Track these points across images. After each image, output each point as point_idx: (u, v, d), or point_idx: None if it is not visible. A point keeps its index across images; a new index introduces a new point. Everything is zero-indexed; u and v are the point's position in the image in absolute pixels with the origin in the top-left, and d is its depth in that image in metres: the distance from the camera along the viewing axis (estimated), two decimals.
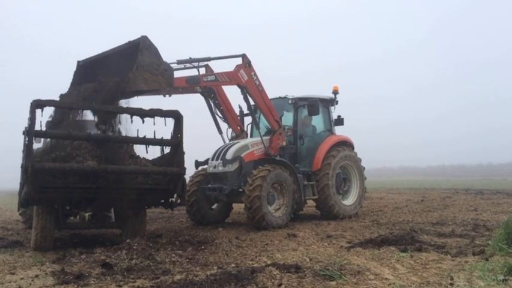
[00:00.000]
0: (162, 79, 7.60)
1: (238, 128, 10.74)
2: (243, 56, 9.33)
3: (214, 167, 9.59)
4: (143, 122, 6.99)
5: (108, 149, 6.87)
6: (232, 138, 10.68)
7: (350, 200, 10.87)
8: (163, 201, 7.28)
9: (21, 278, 4.84)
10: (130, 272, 5.02)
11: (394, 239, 6.85)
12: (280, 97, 10.61)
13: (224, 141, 10.63)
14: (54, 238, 7.00)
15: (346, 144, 11.02)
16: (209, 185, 9.69)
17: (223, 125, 10.69)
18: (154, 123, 7.02)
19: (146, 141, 7.01)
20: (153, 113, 6.97)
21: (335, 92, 11.21)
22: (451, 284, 4.19)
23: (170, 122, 7.01)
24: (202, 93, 10.24)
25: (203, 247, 6.77)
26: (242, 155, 9.35)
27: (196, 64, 9.37)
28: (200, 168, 10.26)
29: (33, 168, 5.78)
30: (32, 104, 6.05)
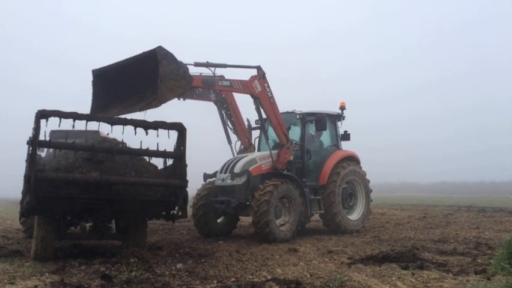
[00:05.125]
0: (184, 81, 8.08)
1: (247, 140, 10.90)
2: (258, 68, 9.54)
3: (223, 180, 9.72)
4: (146, 133, 7.03)
5: (111, 160, 6.89)
6: (240, 151, 10.85)
7: (355, 215, 10.95)
8: (164, 213, 7.27)
9: None
10: (130, 284, 5.01)
11: (395, 255, 6.81)
12: (288, 112, 10.71)
13: (232, 152, 10.81)
14: (54, 248, 6.98)
15: (352, 159, 11.14)
16: (217, 198, 9.79)
17: (233, 137, 10.88)
18: (157, 135, 7.07)
19: (149, 153, 7.04)
20: (157, 125, 7.02)
21: (342, 108, 11.37)
22: None
23: (174, 134, 7.06)
24: (215, 102, 10.44)
25: (203, 260, 6.75)
26: (250, 169, 9.46)
27: (212, 69, 9.39)
28: (207, 181, 10.39)
29: (36, 178, 5.80)
30: (36, 114, 6.10)
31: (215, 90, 9.79)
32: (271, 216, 8.85)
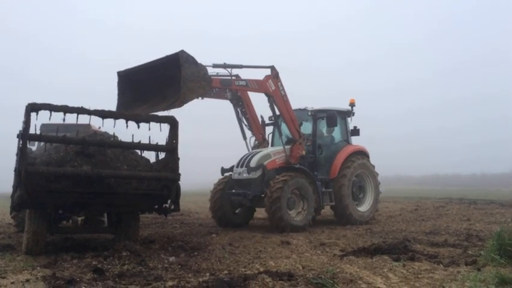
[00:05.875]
0: (204, 83, 8.69)
1: (261, 136, 11.46)
2: (272, 68, 10.10)
3: (239, 174, 10.30)
4: (138, 127, 7.00)
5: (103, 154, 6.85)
6: (254, 146, 11.41)
7: (364, 207, 11.41)
8: (157, 206, 7.26)
9: (12, 282, 4.81)
10: (122, 277, 4.99)
11: (387, 247, 6.83)
12: (300, 109, 11.20)
13: (247, 147, 11.38)
14: (46, 242, 6.95)
15: (362, 153, 11.64)
16: (233, 191, 10.44)
17: (248, 133, 11.43)
18: (149, 129, 7.04)
19: (141, 147, 7.01)
20: (149, 118, 7.00)
21: (352, 105, 11.90)
22: None
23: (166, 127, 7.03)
24: (231, 101, 10.97)
25: (196, 253, 6.76)
26: (265, 163, 10.02)
27: (229, 70, 9.98)
28: (224, 175, 11.03)
29: (27, 172, 5.76)
30: (26, 107, 6.04)
31: (232, 89, 10.31)
32: (284, 209, 9.37)
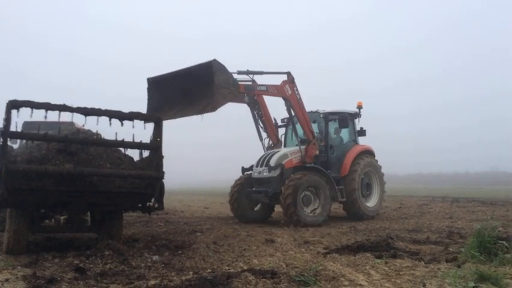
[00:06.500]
0: (234, 89, 9.60)
1: (275, 137, 12.26)
2: (288, 73, 11.00)
3: (259, 173, 11.15)
4: (122, 124, 6.93)
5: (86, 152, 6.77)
6: (268, 146, 12.24)
7: (371, 203, 12.20)
8: (140, 205, 7.20)
9: None
10: (104, 276, 4.95)
11: (370, 245, 6.91)
12: (312, 111, 11.92)
13: (264, 148, 12.21)
14: (27, 241, 6.85)
15: (369, 153, 12.46)
16: (253, 189, 11.29)
17: (263, 134, 12.26)
18: (133, 127, 6.98)
19: (125, 145, 6.96)
20: (132, 116, 6.93)
21: (359, 107, 12.71)
22: None
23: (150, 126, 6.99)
24: (248, 104, 11.69)
25: (180, 252, 6.73)
26: (283, 162, 10.83)
27: (251, 76, 10.90)
28: (245, 174, 11.93)
29: (7, 170, 5.67)
30: (7, 104, 5.94)
31: (254, 94, 11.12)
32: (298, 206, 10.12)
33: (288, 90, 10.95)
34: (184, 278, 4.88)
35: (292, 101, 10.98)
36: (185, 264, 5.85)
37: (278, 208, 11.49)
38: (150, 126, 7.06)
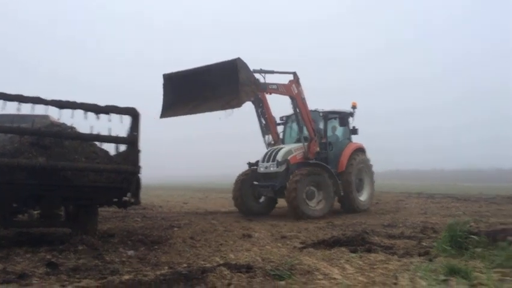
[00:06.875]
0: (255, 87, 10.38)
1: (276, 134, 12.85)
2: (294, 74, 11.65)
3: (266, 168, 11.74)
4: (97, 118, 6.81)
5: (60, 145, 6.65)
6: (269, 143, 12.73)
7: (363, 197, 12.97)
8: (116, 200, 7.12)
9: None
10: (76, 271, 4.87)
11: (346, 240, 6.98)
12: (311, 110, 12.37)
13: (266, 144, 12.72)
14: None
15: (362, 150, 13.19)
16: (257, 183, 11.91)
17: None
18: (109, 120, 6.87)
19: (100, 139, 6.85)
20: (109, 109, 6.82)
21: (354, 107, 13.37)
22: (395, 284, 4.32)
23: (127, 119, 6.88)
24: (253, 102, 12.15)
25: (156, 247, 6.67)
26: (289, 158, 11.46)
27: (263, 75, 11.25)
28: (250, 168, 12.50)
29: None
30: None
31: (267, 93, 11.57)
32: (301, 200, 10.74)
33: (294, 90, 11.56)
34: (158, 272, 4.83)
35: (298, 100, 11.58)
36: (161, 259, 5.82)
37: (281, 202, 12.15)
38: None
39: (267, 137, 12.78)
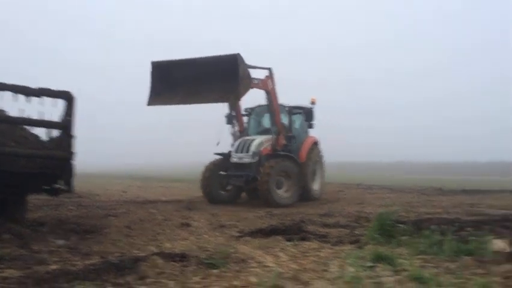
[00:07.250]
0: (248, 81, 10.84)
1: (243, 126, 13.57)
2: (270, 69, 12.27)
3: (239, 158, 12.31)
4: (28, 101, 6.44)
5: None
6: (235, 134, 13.43)
7: (316, 186, 13.86)
8: (47, 187, 6.79)
9: None
10: (0, 261, 4.62)
11: (283, 228, 7.12)
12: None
13: (232, 134, 13.47)
14: None
15: (317, 143, 14.14)
16: (227, 172, 12.43)
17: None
18: (42, 104, 6.52)
19: (30, 122, 6.48)
20: (40, 92, 6.47)
21: (313, 103, 14.14)
22: (325, 270, 4.47)
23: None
24: None
25: (89, 236, 6.46)
26: (261, 149, 12.19)
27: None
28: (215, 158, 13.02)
29: None
30: None
31: (252, 87, 11.72)
32: (272, 187, 11.43)
33: (269, 85, 12.14)
34: (88, 262, 4.69)
35: (272, 94, 12.22)
36: (93, 248, 5.63)
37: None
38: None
39: (234, 127, 13.44)
